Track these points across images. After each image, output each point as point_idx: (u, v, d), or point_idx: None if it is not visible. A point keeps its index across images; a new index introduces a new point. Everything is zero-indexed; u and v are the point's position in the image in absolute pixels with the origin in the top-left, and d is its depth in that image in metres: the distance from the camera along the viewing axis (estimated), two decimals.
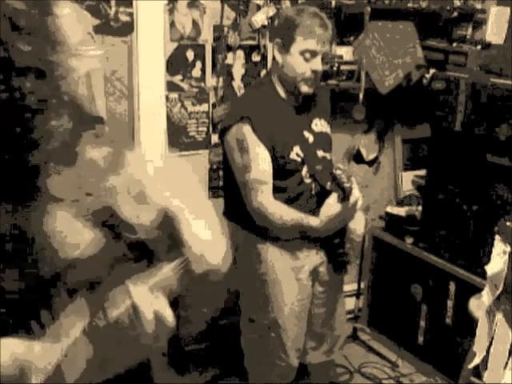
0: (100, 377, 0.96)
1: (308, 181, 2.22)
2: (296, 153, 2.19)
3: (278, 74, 2.23)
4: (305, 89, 2.19)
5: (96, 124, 1.11)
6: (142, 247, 1.10)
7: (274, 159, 2.15)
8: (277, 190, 2.16)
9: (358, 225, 2.25)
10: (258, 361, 2.38)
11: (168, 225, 1.12)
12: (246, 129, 2.12)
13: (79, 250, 0.98)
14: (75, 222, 1.00)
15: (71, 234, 0.99)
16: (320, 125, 2.31)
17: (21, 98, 0.92)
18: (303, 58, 2.14)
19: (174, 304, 1.17)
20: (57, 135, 0.98)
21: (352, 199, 1.95)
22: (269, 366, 2.33)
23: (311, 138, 2.25)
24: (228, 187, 2.35)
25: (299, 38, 2.13)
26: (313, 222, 2.05)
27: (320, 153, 2.27)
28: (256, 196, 2.13)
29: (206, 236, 1.14)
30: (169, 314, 1.00)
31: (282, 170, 2.17)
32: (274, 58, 2.24)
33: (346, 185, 1.88)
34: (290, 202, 2.16)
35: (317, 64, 2.15)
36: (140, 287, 0.96)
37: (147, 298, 0.95)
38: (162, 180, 1.26)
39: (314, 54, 2.13)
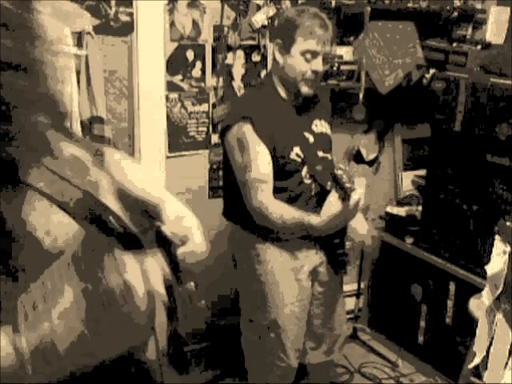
0: (93, 357, 0.96)
1: (308, 181, 2.22)
2: (296, 153, 2.19)
3: (278, 75, 2.23)
4: (305, 89, 2.19)
5: (96, 124, 1.11)
6: (129, 237, 1.11)
7: (275, 159, 2.15)
8: (277, 191, 2.16)
9: (358, 224, 2.25)
10: (257, 362, 2.38)
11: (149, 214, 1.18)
12: (247, 128, 2.12)
13: (62, 240, 0.98)
14: (56, 213, 1.00)
15: (52, 224, 0.99)
16: (320, 125, 2.31)
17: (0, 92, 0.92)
18: (304, 59, 2.14)
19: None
20: (34, 130, 0.99)
21: (353, 199, 1.94)
22: (269, 366, 2.33)
23: (311, 139, 2.25)
24: (228, 187, 2.35)
25: (300, 38, 2.13)
26: (314, 220, 2.05)
27: (320, 153, 2.27)
28: (256, 195, 2.13)
29: (187, 223, 1.23)
30: (162, 290, 1.01)
31: (282, 171, 2.17)
32: (274, 59, 2.24)
33: (347, 185, 1.88)
34: (290, 202, 2.16)
35: (317, 64, 2.15)
36: (131, 261, 0.96)
37: (139, 273, 0.95)
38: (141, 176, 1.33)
39: (314, 54, 2.14)
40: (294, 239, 2.21)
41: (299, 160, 2.19)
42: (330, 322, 2.44)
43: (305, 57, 2.14)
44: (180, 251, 1.24)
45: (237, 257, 2.36)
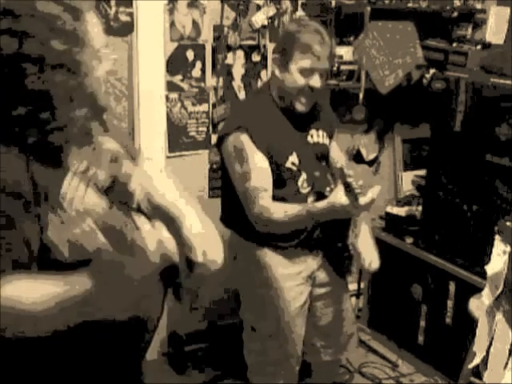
0: (97, 308, 1.10)
1: (304, 191, 2.22)
2: (292, 162, 2.19)
3: (276, 86, 2.22)
4: (299, 107, 2.17)
5: (102, 112, 1.30)
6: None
7: (271, 168, 2.15)
8: (274, 199, 2.16)
9: (373, 258, 2.29)
10: (261, 371, 2.37)
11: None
12: (244, 137, 2.12)
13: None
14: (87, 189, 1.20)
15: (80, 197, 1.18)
16: (316, 136, 2.30)
17: (51, 89, 1.13)
18: (301, 75, 2.13)
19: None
20: (78, 122, 1.19)
21: (364, 200, 1.95)
22: (272, 375, 2.34)
23: (307, 149, 2.25)
24: (225, 194, 2.35)
25: (297, 55, 2.11)
26: (318, 204, 2.06)
27: (315, 161, 2.27)
28: (258, 202, 2.12)
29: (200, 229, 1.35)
30: (174, 251, 1.15)
31: (279, 179, 2.17)
32: (273, 72, 2.23)
33: (357, 190, 1.90)
34: None
35: (315, 81, 2.13)
36: (147, 225, 1.11)
37: (153, 234, 1.10)
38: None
39: (311, 71, 2.12)
40: (292, 245, 2.21)
41: (295, 169, 2.19)
42: (340, 321, 2.44)
43: (302, 73, 2.12)
44: (192, 254, 1.31)
45: (237, 263, 2.36)
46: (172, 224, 1.29)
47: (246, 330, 2.38)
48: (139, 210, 1.29)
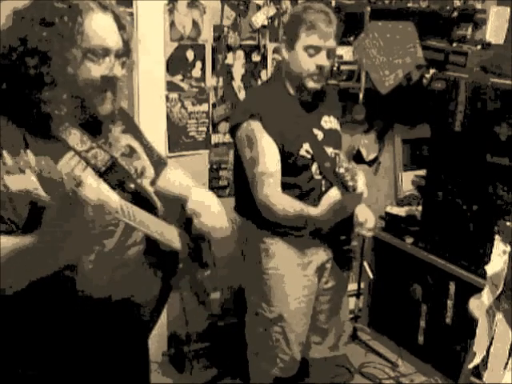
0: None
1: (318, 177, 2.22)
2: (306, 149, 2.20)
3: (285, 71, 2.24)
4: (311, 84, 2.18)
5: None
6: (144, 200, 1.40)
7: (284, 156, 2.17)
8: (288, 187, 2.18)
9: (368, 218, 2.24)
10: (261, 353, 2.39)
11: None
12: (256, 125, 2.14)
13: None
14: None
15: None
16: (329, 122, 2.32)
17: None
18: (307, 54, 2.14)
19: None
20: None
21: (355, 192, 1.94)
22: (272, 358, 2.35)
23: (320, 135, 2.25)
24: (238, 182, 2.37)
25: (303, 34, 2.13)
26: (312, 211, 2.06)
27: (330, 149, 2.27)
28: (262, 188, 2.15)
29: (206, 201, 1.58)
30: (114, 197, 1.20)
31: (292, 167, 2.18)
32: (282, 58, 2.26)
33: (350, 183, 1.88)
34: (300, 198, 2.17)
35: (321, 59, 2.14)
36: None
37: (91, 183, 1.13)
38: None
39: (317, 49, 2.13)
40: (302, 236, 2.22)
41: (309, 156, 2.20)
42: (336, 318, 2.46)
43: (308, 52, 2.13)
44: (196, 220, 1.51)
45: (245, 250, 2.37)
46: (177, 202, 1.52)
47: (250, 313, 2.40)
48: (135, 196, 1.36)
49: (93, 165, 1.31)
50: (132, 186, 1.37)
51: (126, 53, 1.38)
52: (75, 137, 1.31)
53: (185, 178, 1.74)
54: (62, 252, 1.15)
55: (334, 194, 1.99)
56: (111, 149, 1.39)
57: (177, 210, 1.57)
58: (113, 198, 1.18)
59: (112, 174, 1.34)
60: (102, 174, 1.31)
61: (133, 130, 1.55)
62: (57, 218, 1.10)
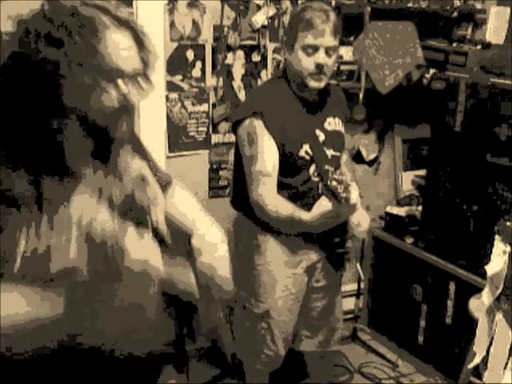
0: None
1: (315, 179, 2.22)
2: (305, 150, 2.19)
3: (289, 71, 2.24)
4: (312, 84, 2.16)
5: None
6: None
7: (284, 156, 2.16)
8: (283, 187, 2.18)
9: (362, 220, 2.24)
10: (246, 346, 2.43)
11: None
12: (257, 123, 2.14)
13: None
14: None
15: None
16: (333, 123, 2.31)
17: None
18: (306, 54, 2.13)
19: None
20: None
21: (348, 203, 1.92)
22: (257, 352, 2.38)
23: (322, 137, 2.25)
24: (237, 177, 2.37)
25: (300, 33, 2.13)
26: (304, 216, 2.05)
27: (330, 152, 2.27)
28: (257, 188, 2.15)
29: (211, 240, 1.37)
30: (158, 265, 1.09)
31: (291, 167, 2.18)
32: (285, 58, 2.28)
33: (342, 195, 1.85)
34: (295, 199, 2.16)
35: (319, 58, 2.12)
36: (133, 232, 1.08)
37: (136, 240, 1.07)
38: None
39: (315, 48, 2.12)
40: (295, 235, 2.23)
41: (308, 157, 2.20)
42: (329, 316, 2.48)
43: (306, 52, 2.12)
44: (200, 259, 1.33)
45: (239, 245, 2.38)
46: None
47: (239, 306, 2.42)
48: (155, 232, 1.24)
49: (109, 201, 1.16)
50: (152, 220, 1.24)
51: (144, 75, 1.24)
52: (90, 170, 1.17)
53: (190, 203, 1.56)
54: (89, 331, 1.02)
55: (326, 202, 1.98)
56: (123, 179, 1.23)
57: (182, 240, 1.42)
58: (155, 256, 1.05)
59: (131, 211, 1.20)
60: (122, 215, 1.16)
61: (138, 148, 1.41)
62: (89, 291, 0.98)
